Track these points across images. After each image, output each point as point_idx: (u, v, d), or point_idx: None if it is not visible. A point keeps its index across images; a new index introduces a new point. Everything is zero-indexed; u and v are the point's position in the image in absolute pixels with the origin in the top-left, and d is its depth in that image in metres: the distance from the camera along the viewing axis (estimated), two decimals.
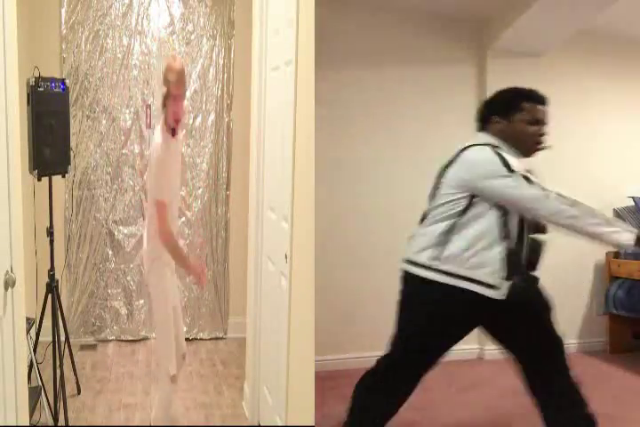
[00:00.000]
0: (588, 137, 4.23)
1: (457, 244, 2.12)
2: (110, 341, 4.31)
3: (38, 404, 2.97)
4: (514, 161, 2.14)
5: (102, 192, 4.26)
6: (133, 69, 4.21)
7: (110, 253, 4.32)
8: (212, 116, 4.35)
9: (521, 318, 2.27)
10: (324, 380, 2.90)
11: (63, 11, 4.08)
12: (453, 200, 2.14)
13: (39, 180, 2.85)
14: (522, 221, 2.14)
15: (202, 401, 3.43)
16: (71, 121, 3.47)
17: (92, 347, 4.22)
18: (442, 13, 3.90)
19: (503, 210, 2.11)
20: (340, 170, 3.77)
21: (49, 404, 2.97)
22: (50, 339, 2.98)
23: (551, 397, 2.39)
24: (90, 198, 4.25)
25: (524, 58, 3.95)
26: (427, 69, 3.93)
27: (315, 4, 2.16)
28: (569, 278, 4.07)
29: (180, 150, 3.04)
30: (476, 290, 2.10)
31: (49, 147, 2.89)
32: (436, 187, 2.23)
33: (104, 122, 4.21)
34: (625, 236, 2.06)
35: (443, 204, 2.16)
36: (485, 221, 2.12)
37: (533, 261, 2.27)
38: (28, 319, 2.47)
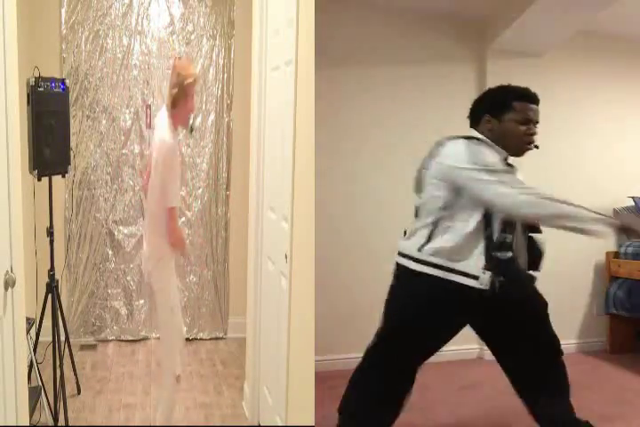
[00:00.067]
0: (589, 137, 4.23)
1: (444, 237, 2.14)
2: (110, 341, 4.31)
3: (38, 404, 2.97)
4: (492, 156, 2.13)
5: (102, 192, 4.26)
6: (133, 69, 4.21)
7: (110, 253, 4.32)
8: (212, 116, 4.35)
9: (514, 318, 2.28)
10: (324, 380, 2.90)
11: (63, 11, 4.08)
12: (437, 193, 2.16)
13: (39, 180, 2.85)
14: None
15: (202, 401, 3.43)
16: (71, 121, 3.47)
17: (92, 347, 4.22)
18: (442, 13, 3.90)
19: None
20: (340, 170, 3.77)
21: (49, 404, 2.97)
22: (50, 339, 2.98)
23: (541, 397, 2.39)
24: (90, 198, 4.25)
25: (524, 58, 3.95)
26: (427, 69, 3.93)
27: (315, 4, 2.16)
28: (569, 278, 4.07)
29: (179, 150, 3.05)
30: (458, 280, 2.12)
31: (49, 147, 2.89)
32: (420, 179, 2.24)
33: (104, 122, 4.21)
34: (601, 225, 2.01)
35: (429, 198, 2.19)
36: (469, 215, 2.13)
37: (534, 260, 2.28)
38: (28, 319, 2.47)
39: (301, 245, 2.35)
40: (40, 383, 2.95)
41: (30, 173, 2.76)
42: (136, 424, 3.15)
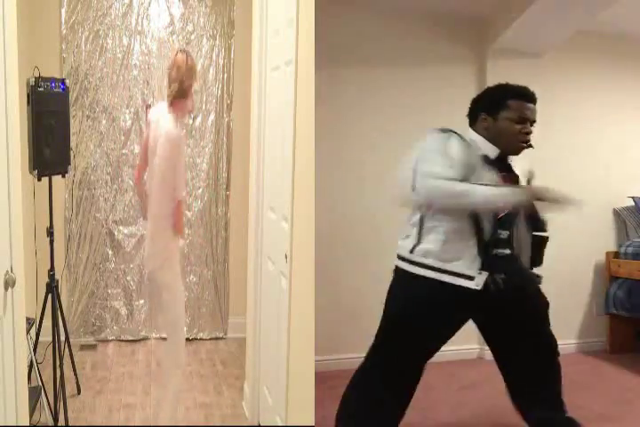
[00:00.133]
0: (588, 137, 4.23)
1: (429, 238, 2.15)
2: (110, 341, 4.31)
3: (38, 404, 2.97)
4: (456, 150, 2.12)
5: (102, 192, 4.26)
6: (133, 69, 4.21)
7: (110, 253, 4.32)
8: (212, 116, 4.35)
9: (515, 317, 2.28)
10: (324, 380, 2.90)
11: (63, 11, 4.08)
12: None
13: (39, 180, 2.85)
14: (497, 214, 2.13)
15: (202, 401, 3.43)
16: (71, 121, 3.47)
17: (92, 347, 4.22)
18: (442, 13, 3.90)
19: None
20: (340, 170, 3.77)
21: (49, 404, 2.97)
22: (50, 339, 2.98)
23: (535, 402, 2.40)
24: (90, 198, 4.24)
25: (524, 58, 3.95)
26: (427, 69, 3.93)
27: (315, 4, 2.16)
28: (569, 278, 4.07)
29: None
30: (452, 282, 2.12)
31: (49, 147, 2.89)
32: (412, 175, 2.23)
33: (104, 122, 4.21)
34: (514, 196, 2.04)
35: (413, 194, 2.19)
36: (455, 214, 2.12)
37: (535, 257, 2.28)
38: (28, 319, 2.47)
39: (301, 245, 2.35)
40: (40, 383, 2.95)
41: (30, 173, 2.75)
42: (136, 424, 3.15)
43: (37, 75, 2.78)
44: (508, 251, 2.21)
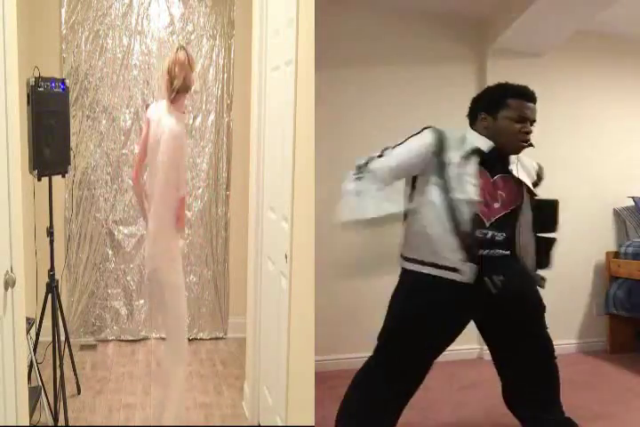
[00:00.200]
0: (588, 136, 4.23)
1: (414, 230, 2.18)
2: (110, 341, 4.31)
3: (38, 404, 2.97)
4: (416, 143, 2.16)
5: (102, 192, 4.26)
6: (133, 69, 4.21)
7: (110, 253, 4.32)
8: (212, 116, 4.35)
9: (513, 317, 2.28)
10: (324, 380, 2.90)
11: (63, 11, 4.08)
12: (406, 185, 2.25)
13: (39, 180, 2.85)
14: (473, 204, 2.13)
15: (202, 401, 3.43)
16: (71, 121, 3.47)
17: (92, 347, 4.22)
18: (442, 13, 3.90)
19: (446, 194, 2.11)
20: (340, 170, 3.76)
21: (49, 404, 2.97)
22: (50, 339, 2.98)
23: (532, 403, 2.40)
24: (90, 198, 4.24)
25: (524, 57, 3.95)
26: (427, 69, 3.93)
27: (315, 4, 2.16)
28: (569, 278, 4.07)
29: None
30: (442, 275, 2.12)
31: (49, 147, 2.89)
32: None
33: (104, 122, 4.21)
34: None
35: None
36: (433, 207, 2.13)
37: (542, 259, 2.27)
38: (28, 319, 2.47)
39: (301, 245, 2.35)
40: (40, 383, 2.95)
41: (30, 173, 2.75)
42: (136, 424, 3.15)
43: (37, 75, 2.78)
44: (505, 252, 2.21)
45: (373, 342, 2.29)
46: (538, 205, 2.29)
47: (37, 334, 3.17)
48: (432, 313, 2.17)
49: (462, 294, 2.15)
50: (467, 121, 2.34)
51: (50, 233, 3.03)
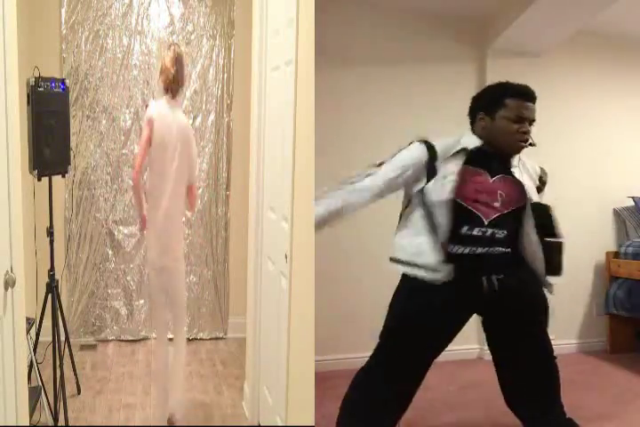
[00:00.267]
0: (588, 136, 4.23)
1: (399, 233, 2.25)
2: (110, 341, 4.31)
3: (38, 404, 2.97)
4: (408, 156, 2.19)
5: (102, 192, 4.26)
6: (133, 69, 4.21)
7: (110, 253, 4.32)
8: (212, 116, 4.35)
9: (511, 318, 2.28)
10: (324, 380, 2.90)
11: (63, 11, 4.08)
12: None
13: (39, 180, 2.85)
14: (455, 213, 2.12)
15: (202, 401, 3.43)
16: (71, 121, 3.47)
17: (92, 347, 4.22)
18: (442, 13, 3.90)
19: (423, 201, 2.16)
20: (340, 170, 3.76)
21: (49, 404, 2.97)
22: (50, 339, 2.98)
23: (533, 404, 2.41)
24: (90, 198, 4.25)
25: (524, 57, 3.95)
26: (427, 69, 3.93)
27: (315, 4, 2.16)
28: (569, 278, 4.06)
29: None
30: (420, 274, 2.14)
31: (49, 147, 2.89)
32: None
33: (104, 122, 4.21)
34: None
35: None
36: (416, 212, 2.19)
37: (550, 264, 2.26)
38: (28, 319, 2.47)
39: (301, 245, 2.35)
40: (40, 383, 2.95)
41: (30, 173, 2.75)
42: (136, 424, 3.16)
43: (37, 75, 2.78)
44: (506, 249, 2.20)
45: (373, 342, 2.29)
46: (532, 209, 2.26)
47: (37, 334, 3.17)
48: (432, 313, 2.17)
49: (462, 293, 2.16)
50: (466, 120, 2.34)
51: (50, 233, 3.03)
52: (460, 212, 2.15)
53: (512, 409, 2.47)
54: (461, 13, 3.92)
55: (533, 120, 2.22)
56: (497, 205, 2.19)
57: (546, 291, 2.32)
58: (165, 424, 3.06)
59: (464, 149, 2.18)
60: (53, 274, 3.06)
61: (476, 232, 2.16)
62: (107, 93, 4.19)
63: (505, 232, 2.18)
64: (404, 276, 2.25)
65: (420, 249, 2.16)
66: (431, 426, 2.87)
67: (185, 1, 4.25)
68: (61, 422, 2.95)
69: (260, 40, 3.03)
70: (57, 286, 3.08)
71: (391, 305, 2.28)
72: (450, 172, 2.14)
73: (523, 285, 2.25)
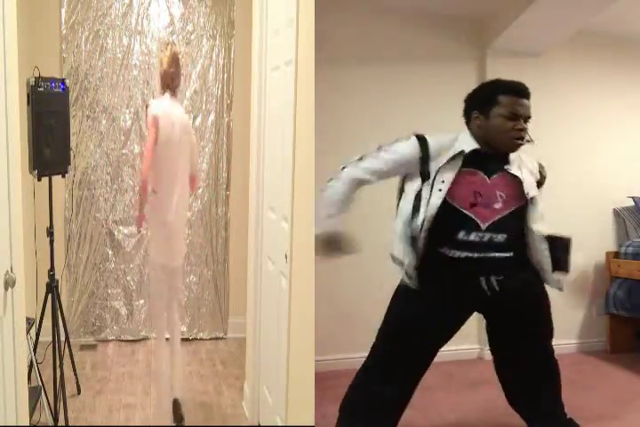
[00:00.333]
0: (588, 136, 4.23)
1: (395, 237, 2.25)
2: (110, 341, 4.31)
3: (38, 404, 2.97)
4: (401, 150, 2.21)
5: (102, 192, 4.26)
6: (133, 69, 4.21)
7: (110, 253, 4.32)
8: (212, 116, 4.35)
9: (511, 319, 2.28)
10: (324, 380, 2.90)
11: (63, 11, 4.08)
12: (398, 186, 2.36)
13: (39, 180, 2.85)
14: (449, 218, 2.13)
15: (202, 401, 3.43)
16: (71, 121, 3.47)
17: (92, 347, 4.22)
18: (442, 12, 3.90)
19: (416, 201, 2.17)
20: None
21: (49, 404, 2.97)
22: (50, 339, 2.98)
23: (534, 409, 2.41)
24: (90, 198, 4.24)
25: (523, 57, 3.94)
26: (426, 68, 3.93)
27: (315, 4, 2.16)
28: (569, 278, 4.06)
29: None
30: (401, 275, 2.18)
31: (49, 147, 2.89)
32: None
33: (104, 122, 4.21)
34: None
35: None
36: (400, 216, 2.23)
37: (555, 261, 2.25)
38: (28, 319, 2.47)
39: (301, 245, 2.35)
40: (40, 383, 2.95)
41: (30, 173, 2.75)
42: (136, 424, 3.16)
43: (37, 75, 2.78)
44: (506, 254, 2.19)
45: (372, 342, 2.30)
46: (550, 242, 2.24)
47: (37, 334, 3.17)
48: (429, 313, 2.17)
49: (459, 294, 2.16)
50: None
51: (50, 233, 3.03)
52: (457, 216, 2.14)
53: (515, 409, 2.47)
54: (461, 13, 3.92)
55: (529, 117, 2.19)
56: (498, 206, 2.17)
57: (553, 288, 2.30)
58: (166, 424, 3.06)
59: (461, 153, 2.16)
60: (53, 274, 3.06)
61: (472, 237, 2.14)
62: (107, 93, 4.19)
63: (505, 236, 2.16)
64: None
65: (402, 254, 2.19)
66: (431, 426, 2.87)
67: (185, 1, 4.24)
68: (61, 422, 2.95)
69: (260, 40, 3.03)
70: (57, 286, 3.07)
71: (390, 305, 2.29)
72: (445, 177, 2.13)
73: (525, 285, 2.25)
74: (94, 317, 4.32)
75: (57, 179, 3.14)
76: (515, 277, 2.20)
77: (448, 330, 2.25)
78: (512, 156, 2.24)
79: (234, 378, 3.73)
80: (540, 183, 2.34)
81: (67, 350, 3.28)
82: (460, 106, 2.39)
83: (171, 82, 3.01)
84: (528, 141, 2.19)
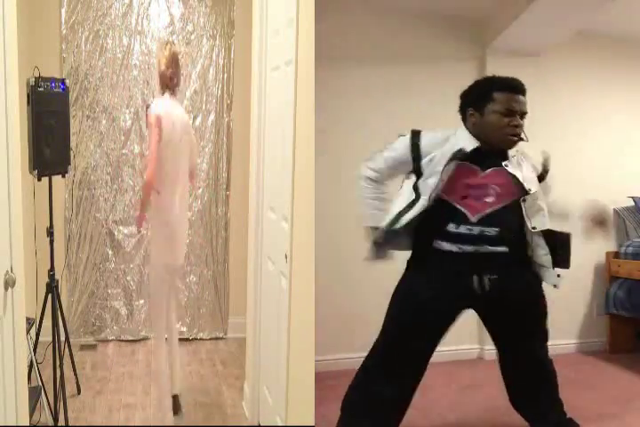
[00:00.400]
0: (588, 136, 4.23)
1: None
2: (110, 341, 4.31)
3: (38, 404, 2.97)
4: (397, 146, 2.26)
5: (102, 192, 4.26)
6: (133, 69, 4.21)
7: (110, 253, 4.32)
8: (212, 116, 4.35)
9: (506, 318, 2.28)
10: (324, 380, 2.90)
11: (63, 11, 4.08)
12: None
13: (39, 180, 2.85)
14: (439, 211, 2.16)
15: (202, 401, 3.43)
16: (71, 121, 3.47)
17: (92, 347, 4.22)
18: (441, 13, 3.90)
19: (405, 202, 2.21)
20: (340, 169, 3.77)
21: (49, 404, 2.97)
22: (50, 339, 2.98)
23: (534, 409, 2.42)
24: (90, 198, 4.24)
25: (523, 57, 3.94)
26: (426, 68, 3.93)
27: (315, 4, 2.16)
28: (569, 278, 4.06)
29: None
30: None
31: (49, 147, 2.89)
32: None
33: (104, 122, 4.21)
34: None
35: None
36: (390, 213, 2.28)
37: (559, 255, 2.23)
38: (28, 319, 2.47)
39: (301, 245, 2.35)
40: (40, 383, 2.95)
41: (30, 173, 2.75)
42: (136, 424, 3.16)
43: (37, 75, 2.78)
44: (499, 248, 2.17)
45: (373, 343, 2.29)
46: (549, 237, 2.23)
47: (37, 334, 3.17)
48: (423, 311, 2.19)
49: (451, 291, 2.16)
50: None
51: (50, 233, 3.03)
52: (447, 209, 2.14)
53: (517, 410, 2.47)
54: (461, 13, 3.92)
55: (525, 113, 2.18)
56: (490, 199, 2.15)
57: (550, 284, 2.28)
58: (168, 424, 3.06)
59: (460, 151, 2.15)
60: (53, 274, 3.06)
61: (462, 230, 2.13)
62: (107, 93, 4.19)
63: (497, 230, 2.14)
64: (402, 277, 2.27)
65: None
66: (431, 426, 2.87)
67: (185, 1, 4.24)
68: (61, 422, 2.95)
69: (260, 40, 3.03)
70: (57, 286, 3.08)
71: (389, 305, 2.29)
72: (440, 174, 2.13)
73: (522, 286, 2.24)
74: (94, 317, 4.32)
75: (57, 179, 3.14)
76: (513, 277, 2.19)
77: (441, 326, 2.25)
78: (511, 152, 2.22)
79: (234, 378, 3.73)
80: (542, 177, 2.31)
81: (67, 350, 3.28)
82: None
83: (170, 81, 3.01)
84: (522, 140, 2.18)
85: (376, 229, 2.23)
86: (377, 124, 3.84)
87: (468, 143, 2.17)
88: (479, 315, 2.35)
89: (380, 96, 3.85)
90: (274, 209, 2.83)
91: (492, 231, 2.14)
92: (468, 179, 2.15)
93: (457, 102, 2.37)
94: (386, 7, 3.81)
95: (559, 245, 2.23)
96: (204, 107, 4.33)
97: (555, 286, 2.27)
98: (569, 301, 4.06)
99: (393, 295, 2.28)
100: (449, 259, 2.15)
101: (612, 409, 3.01)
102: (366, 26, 3.81)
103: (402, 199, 2.22)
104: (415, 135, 2.21)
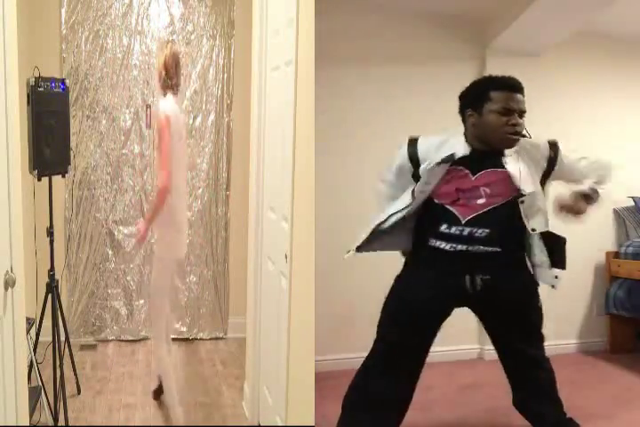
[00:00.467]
0: (588, 136, 4.22)
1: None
2: (110, 341, 4.31)
3: (38, 404, 2.97)
4: (398, 155, 2.30)
5: (102, 192, 4.26)
6: (133, 69, 4.21)
7: (110, 253, 4.32)
8: (212, 116, 4.34)
9: (501, 317, 2.29)
10: (324, 380, 2.90)
11: (63, 11, 4.08)
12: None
13: (39, 180, 2.85)
14: (433, 213, 2.20)
15: (202, 401, 3.43)
16: (71, 121, 3.47)
17: (92, 347, 4.22)
18: (441, 13, 3.90)
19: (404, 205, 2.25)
20: (340, 170, 3.77)
21: (49, 404, 2.97)
22: (50, 339, 2.98)
23: (534, 409, 2.43)
24: (90, 198, 4.24)
25: (523, 57, 3.94)
26: (427, 68, 3.93)
27: (315, 4, 2.16)
28: (569, 278, 4.06)
29: None
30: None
31: (49, 147, 2.89)
32: None
33: (104, 122, 4.21)
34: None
35: None
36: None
37: (556, 256, 2.23)
38: (28, 319, 2.47)
39: (301, 245, 2.35)
40: (40, 383, 2.95)
41: (30, 173, 2.75)
42: (136, 424, 3.16)
43: (37, 75, 2.78)
44: (492, 248, 2.16)
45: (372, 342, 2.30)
46: (546, 238, 2.23)
47: (37, 334, 3.17)
48: (417, 310, 2.20)
49: (448, 291, 2.17)
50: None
51: (50, 233, 3.03)
52: (440, 211, 2.18)
53: (518, 410, 2.47)
54: (461, 13, 3.92)
55: (523, 111, 2.17)
56: (481, 202, 2.15)
57: (547, 284, 2.28)
58: (171, 424, 3.06)
59: (451, 156, 2.15)
60: (53, 274, 3.06)
61: (453, 231, 2.16)
62: (107, 93, 4.19)
63: (487, 230, 2.14)
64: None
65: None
66: (431, 426, 2.87)
67: (185, 1, 4.24)
68: (61, 422, 2.95)
69: (260, 40, 3.03)
70: (57, 286, 3.07)
71: (384, 303, 2.31)
72: (431, 180, 2.17)
73: (516, 286, 2.24)
74: (94, 317, 4.32)
75: (57, 179, 3.14)
76: (507, 277, 2.20)
77: (435, 323, 2.26)
78: (508, 151, 2.21)
79: (234, 378, 3.73)
80: (551, 166, 2.29)
81: (67, 350, 3.28)
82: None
83: (170, 80, 3.01)
84: (524, 137, 2.17)
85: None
86: (377, 124, 3.84)
87: (460, 149, 2.17)
88: (476, 314, 2.36)
89: (380, 96, 3.85)
90: (274, 209, 2.83)
91: (482, 232, 2.14)
92: (459, 183, 2.16)
93: (457, 102, 2.36)
94: (386, 7, 3.81)
95: (555, 247, 2.23)
96: (203, 107, 4.33)
97: (552, 286, 2.26)
98: (569, 301, 4.07)
99: (389, 293, 2.30)
100: (443, 258, 2.17)
101: (612, 409, 3.01)
102: (366, 26, 3.81)
103: (400, 202, 2.23)
104: (412, 143, 2.22)
